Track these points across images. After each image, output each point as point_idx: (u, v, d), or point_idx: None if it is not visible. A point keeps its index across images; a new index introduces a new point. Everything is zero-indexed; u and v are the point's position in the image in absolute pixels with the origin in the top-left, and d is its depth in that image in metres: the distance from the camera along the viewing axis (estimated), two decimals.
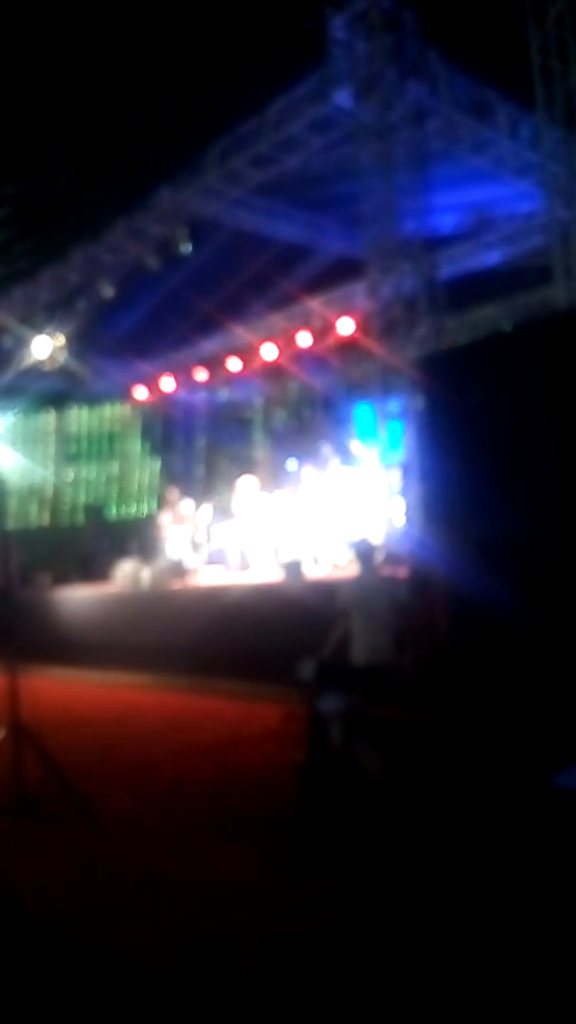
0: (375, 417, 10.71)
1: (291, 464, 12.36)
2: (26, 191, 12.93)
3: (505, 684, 4.11)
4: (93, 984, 2.99)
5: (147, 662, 9.43)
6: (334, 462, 11.06)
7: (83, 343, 14.56)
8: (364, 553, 6.15)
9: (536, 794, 3.69)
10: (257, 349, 13.63)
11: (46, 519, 18.19)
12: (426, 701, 4.76)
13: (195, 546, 11.75)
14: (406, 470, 9.83)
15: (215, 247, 12.24)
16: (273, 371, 14.33)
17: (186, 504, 12.24)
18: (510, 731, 4.01)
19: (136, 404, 16.84)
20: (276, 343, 13.61)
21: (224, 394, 16.38)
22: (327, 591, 6.77)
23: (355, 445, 11.86)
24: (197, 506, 12.26)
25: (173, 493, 12.77)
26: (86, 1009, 2.83)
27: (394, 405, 9.94)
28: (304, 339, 13.01)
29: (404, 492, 9.93)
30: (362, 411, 13.51)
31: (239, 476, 12.09)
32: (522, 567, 4.14)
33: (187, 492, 14.04)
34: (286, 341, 13.44)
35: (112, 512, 17.40)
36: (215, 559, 11.22)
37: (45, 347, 14.06)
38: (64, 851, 4.24)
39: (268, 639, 7.99)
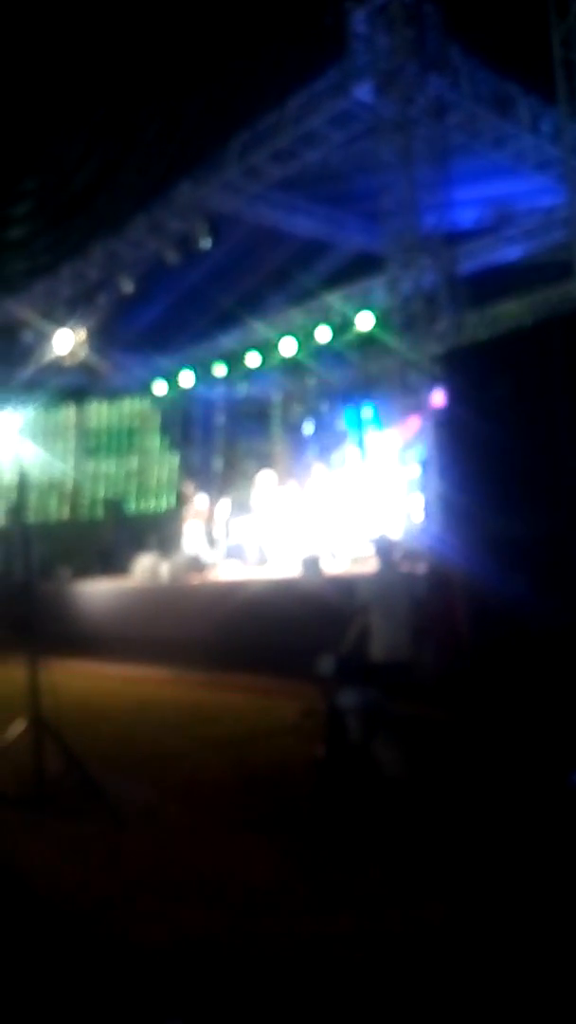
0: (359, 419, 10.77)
1: (310, 460, 12.36)
2: (47, 186, 12.99)
3: (524, 681, 4.10)
4: (105, 974, 3.01)
5: (166, 656, 9.48)
6: (352, 458, 11.05)
7: (103, 338, 14.62)
8: (383, 549, 6.14)
9: (554, 792, 3.69)
10: (276, 344, 13.62)
11: (66, 513, 18.29)
12: (444, 697, 4.76)
13: (213, 541, 11.78)
14: (425, 466, 9.81)
15: (234, 242, 12.25)
16: (292, 366, 14.31)
17: (201, 499, 12.27)
18: (528, 728, 4.00)
19: (155, 399, 16.88)
20: (295, 338, 13.59)
21: (243, 389, 16.39)
22: (345, 586, 6.77)
23: (368, 442, 11.84)
24: (215, 501, 12.29)
25: (189, 487, 12.82)
26: (96, 998, 2.86)
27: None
28: (323, 334, 12.98)
29: (423, 488, 9.91)
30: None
31: (258, 471, 12.11)
32: (541, 564, 4.13)
33: (206, 487, 14.07)
34: (305, 336, 13.42)
35: (131, 506, 17.47)
36: (233, 554, 11.25)
37: (66, 342, 14.12)
38: (83, 843, 4.27)
39: (286, 634, 8.01)
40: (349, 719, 4.58)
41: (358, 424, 13.21)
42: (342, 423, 13.93)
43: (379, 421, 12.31)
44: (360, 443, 12.07)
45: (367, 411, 12.86)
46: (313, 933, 3.17)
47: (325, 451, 12.28)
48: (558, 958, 2.88)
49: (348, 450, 11.59)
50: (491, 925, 3.12)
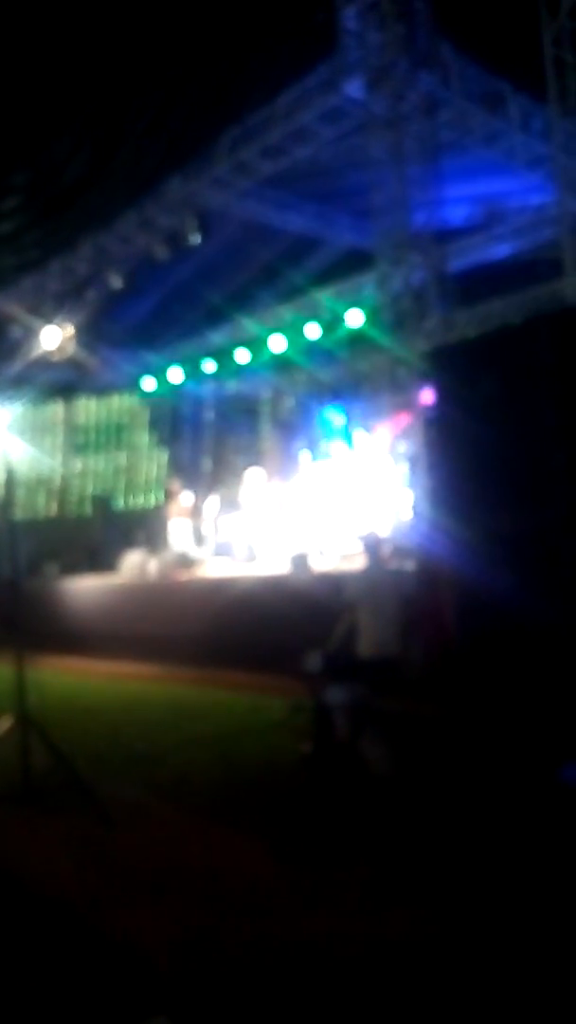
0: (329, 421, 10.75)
1: (298, 456, 12.35)
2: (36, 181, 12.92)
3: (512, 677, 4.11)
4: (94, 971, 3.00)
5: (154, 652, 9.46)
6: (341, 455, 11.05)
7: (92, 334, 14.56)
8: (371, 546, 6.14)
9: (543, 787, 3.69)
10: (266, 341, 13.59)
11: (54, 510, 18.22)
12: (432, 694, 4.76)
13: (201, 537, 11.76)
14: (413, 463, 9.82)
15: (224, 238, 12.22)
16: (281, 363, 14.29)
17: (186, 496, 12.25)
18: (516, 724, 4.01)
19: (144, 395, 16.83)
20: (284, 335, 13.57)
21: (232, 386, 16.36)
22: (334, 583, 6.77)
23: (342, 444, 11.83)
24: (204, 497, 12.27)
25: (175, 484, 12.79)
26: (86, 995, 2.85)
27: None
28: (313, 331, 12.96)
29: (411, 485, 9.92)
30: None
31: (247, 468, 12.09)
32: (529, 560, 4.13)
33: (194, 483, 14.04)
34: (295, 333, 13.40)
35: (119, 503, 17.42)
36: (222, 551, 11.24)
37: (54, 338, 14.06)
38: (70, 840, 4.25)
39: (274, 631, 8.00)
40: (337, 716, 4.58)
41: (330, 430, 13.19)
42: (330, 420, 13.93)
43: (348, 433, 12.21)
44: (348, 440, 12.06)
45: (338, 417, 12.82)
46: (301, 931, 3.16)
47: (314, 448, 12.28)
48: (551, 954, 2.89)
49: (337, 447, 11.58)
50: (480, 922, 3.12)
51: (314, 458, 11.37)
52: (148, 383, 15.90)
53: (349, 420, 12.86)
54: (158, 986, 2.87)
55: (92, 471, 18.51)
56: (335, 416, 12.73)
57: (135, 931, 3.24)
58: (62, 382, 16.55)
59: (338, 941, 3.05)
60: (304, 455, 12.11)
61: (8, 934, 3.32)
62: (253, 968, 2.92)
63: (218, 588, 9.66)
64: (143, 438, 18.21)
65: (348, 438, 12.00)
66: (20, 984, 2.95)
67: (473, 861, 3.57)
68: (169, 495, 12.61)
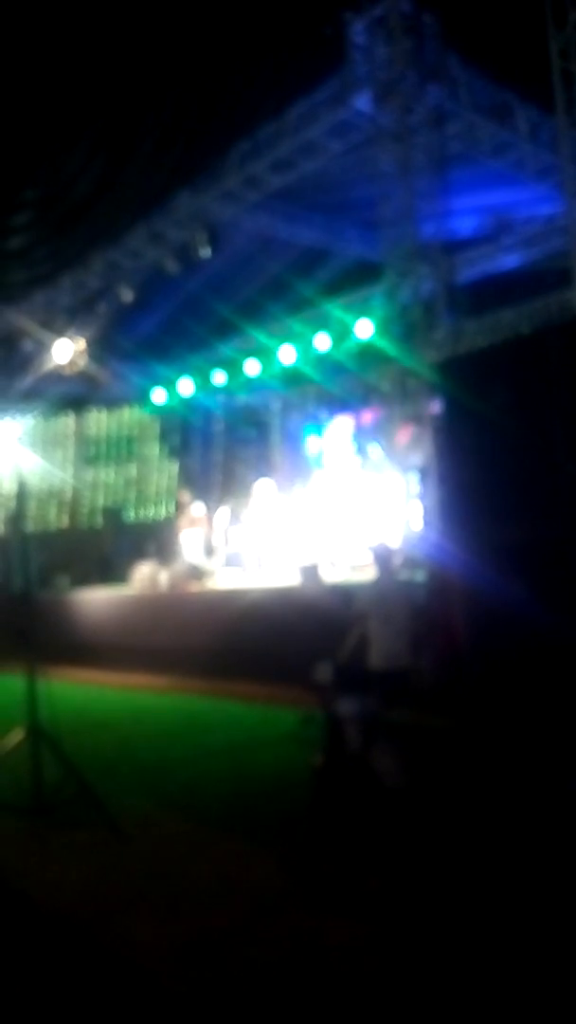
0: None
1: (308, 468, 12.36)
2: (47, 196, 13.04)
3: (523, 688, 4.09)
4: (103, 983, 3.00)
5: (164, 664, 9.46)
6: (351, 466, 11.06)
7: (102, 347, 14.63)
8: (382, 557, 6.14)
9: (554, 798, 3.67)
10: (275, 352, 13.63)
11: (65, 521, 18.28)
12: (443, 705, 4.74)
13: (211, 549, 11.77)
14: (424, 473, 9.81)
15: (234, 250, 12.27)
16: (291, 374, 14.32)
17: (197, 507, 12.26)
18: (527, 735, 3.99)
19: (154, 407, 16.89)
20: (294, 346, 13.61)
21: (242, 397, 16.40)
22: (344, 594, 6.76)
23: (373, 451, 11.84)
24: (214, 509, 12.29)
25: (185, 496, 12.81)
26: (94, 1007, 2.85)
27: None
28: (322, 342, 12.99)
29: (422, 495, 9.90)
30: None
31: (256, 479, 12.10)
32: (540, 571, 4.12)
33: (204, 495, 14.06)
34: (304, 344, 13.43)
35: (130, 515, 17.46)
36: (232, 562, 11.24)
37: (66, 351, 14.14)
38: (81, 852, 4.25)
39: (285, 642, 7.99)
40: (348, 727, 4.56)
41: (358, 435, 13.22)
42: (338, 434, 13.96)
43: (320, 461, 12.15)
44: (359, 451, 12.07)
45: (315, 444, 12.76)
46: (311, 942, 3.15)
47: (323, 459, 12.28)
48: (558, 965, 2.86)
49: (346, 458, 11.59)
50: (490, 933, 3.10)
51: (325, 469, 11.38)
52: (158, 395, 15.96)
53: (359, 431, 12.89)
54: (168, 999, 2.87)
55: (103, 483, 18.56)
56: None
57: (144, 943, 3.23)
58: (73, 395, 16.62)
59: (349, 953, 3.04)
60: (313, 466, 12.12)
61: (19, 947, 3.32)
62: (264, 978, 2.91)
63: (229, 599, 9.66)
64: (153, 450, 18.27)
65: (361, 449, 12.01)
66: (32, 996, 2.95)
67: (484, 872, 3.55)
68: (180, 506, 12.63)
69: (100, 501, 18.21)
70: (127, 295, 13.07)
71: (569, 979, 2.78)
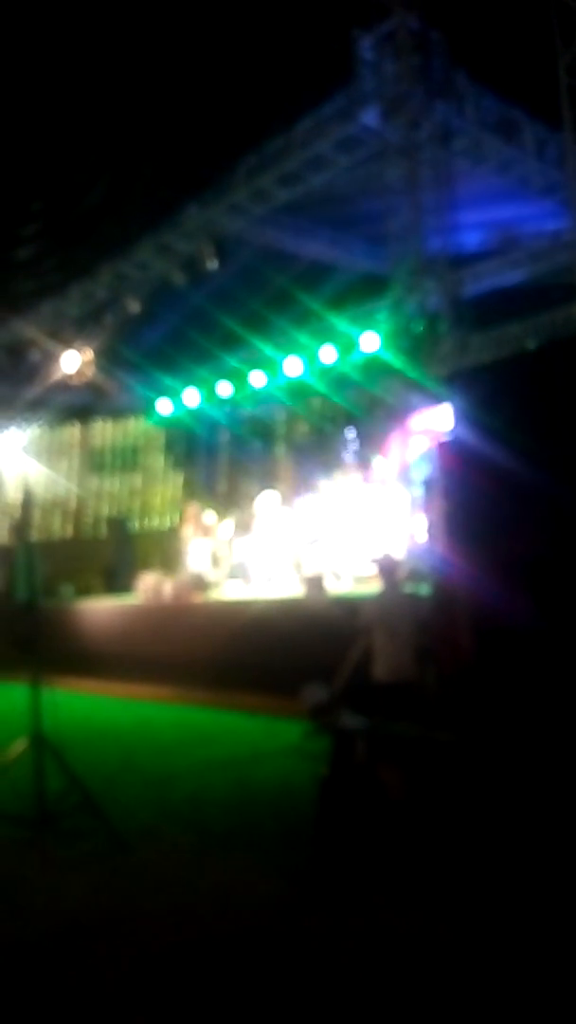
0: None
1: (314, 480, 12.37)
2: (55, 208, 13.13)
3: (527, 702, 4.08)
4: (106, 995, 2.99)
5: (168, 675, 9.45)
6: (356, 478, 11.07)
7: (109, 357, 14.69)
8: (387, 569, 6.14)
9: (559, 813, 3.66)
10: (281, 364, 13.67)
11: (69, 531, 18.30)
12: (448, 719, 4.73)
13: (216, 560, 11.77)
14: (429, 486, 9.81)
15: (240, 263, 12.33)
16: (297, 386, 14.36)
17: (209, 515, 12.26)
18: (531, 750, 3.98)
19: (160, 418, 16.94)
20: (300, 359, 13.65)
21: (247, 409, 16.43)
22: (349, 607, 6.76)
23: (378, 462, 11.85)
24: (219, 520, 12.29)
25: (193, 507, 12.81)
26: (99, 1018, 2.84)
27: None
28: (328, 355, 13.03)
29: (427, 508, 9.90)
30: None
31: (261, 491, 12.11)
32: (545, 585, 4.12)
33: (209, 506, 14.06)
34: (310, 357, 13.47)
35: (135, 525, 17.48)
36: (237, 573, 11.24)
37: (74, 361, 14.20)
38: (83, 863, 4.24)
39: (289, 654, 7.98)
40: (353, 740, 4.55)
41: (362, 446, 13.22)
42: (345, 445, 13.97)
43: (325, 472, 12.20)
44: (365, 463, 12.08)
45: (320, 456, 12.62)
46: (315, 954, 3.14)
47: (329, 471, 12.30)
48: (562, 979, 2.85)
49: (352, 470, 11.59)
50: (494, 947, 3.09)
51: (331, 481, 11.38)
52: (164, 406, 16.00)
53: (364, 444, 12.90)
54: (172, 1009, 2.86)
55: (108, 493, 18.59)
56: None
57: (146, 954, 3.22)
58: (78, 405, 16.68)
59: (354, 966, 3.03)
60: (319, 478, 12.13)
61: (19, 957, 3.31)
62: (268, 990, 2.90)
63: (233, 611, 9.66)
64: (158, 460, 18.29)
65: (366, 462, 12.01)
66: (34, 1007, 2.94)
67: (487, 887, 3.54)
68: (186, 517, 12.63)
69: (105, 511, 18.23)
70: (134, 306, 13.14)
71: (571, 988, 2.77)
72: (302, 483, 13.05)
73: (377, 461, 11.95)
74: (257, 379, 14.23)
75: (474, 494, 4.68)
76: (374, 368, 12.57)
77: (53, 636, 10.39)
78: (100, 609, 11.74)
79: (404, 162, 9.75)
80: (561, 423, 4.23)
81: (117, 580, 13.05)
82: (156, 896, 3.80)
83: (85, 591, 12.91)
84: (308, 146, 10.30)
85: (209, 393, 15.13)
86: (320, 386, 13.99)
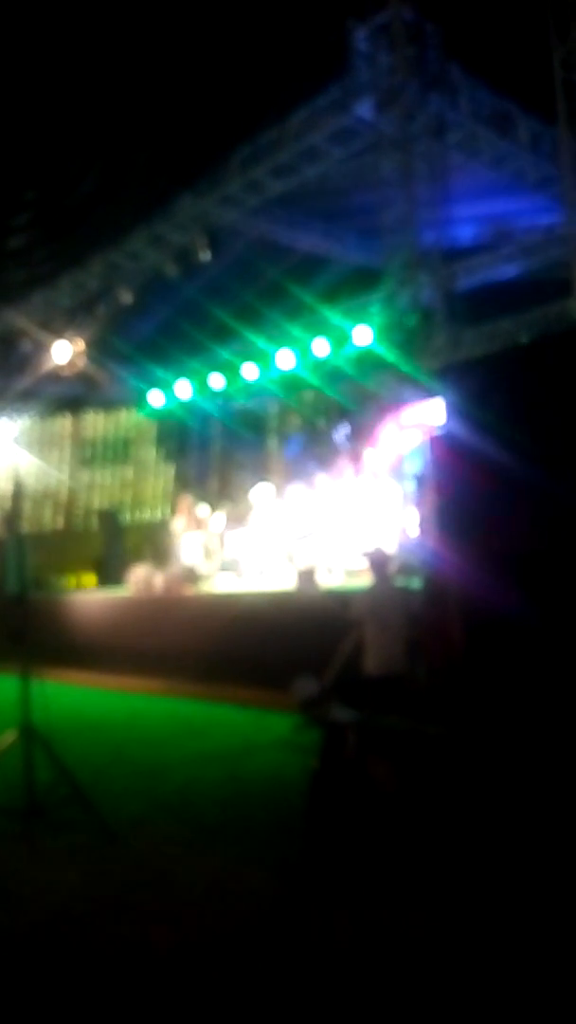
0: None
1: (305, 472, 12.36)
2: (47, 197, 13.05)
3: (518, 696, 4.09)
4: (96, 986, 2.99)
5: (159, 667, 9.44)
6: (348, 471, 11.06)
7: (101, 348, 14.64)
8: (378, 563, 6.14)
9: (550, 807, 3.67)
10: (273, 357, 13.64)
11: (60, 523, 18.26)
12: (438, 712, 4.74)
13: (208, 553, 11.76)
14: (421, 479, 9.82)
15: (233, 255, 12.29)
16: (289, 379, 14.35)
17: (202, 508, 12.25)
18: (522, 743, 3.99)
19: (152, 410, 16.90)
20: (293, 351, 13.63)
21: (240, 402, 16.41)
22: (340, 600, 6.76)
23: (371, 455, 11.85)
24: (211, 513, 12.28)
25: (186, 500, 12.79)
26: (88, 1010, 2.84)
27: None
28: (321, 348, 13.01)
29: (418, 502, 9.91)
30: None
31: (253, 484, 12.10)
32: (538, 579, 4.12)
33: (201, 499, 14.05)
34: (302, 350, 13.46)
35: (126, 517, 17.45)
36: (228, 566, 11.23)
37: (65, 352, 14.14)
38: (73, 855, 4.24)
39: (281, 647, 7.98)
40: (344, 733, 4.56)
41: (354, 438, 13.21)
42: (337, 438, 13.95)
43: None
44: (356, 456, 12.07)
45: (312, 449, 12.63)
46: (304, 948, 3.14)
47: (321, 464, 12.29)
48: (553, 975, 2.86)
49: (344, 463, 11.59)
50: (484, 942, 3.10)
51: (323, 474, 11.37)
52: (156, 398, 15.95)
53: (356, 437, 12.88)
54: (161, 1002, 2.86)
55: (99, 485, 18.55)
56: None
57: (136, 947, 3.22)
58: (70, 396, 16.62)
59: (343, 959, 3.03)
60: (311, 471, 12.12)
61: (10, 950, 3.30)
62: (255, 983, 2.90)
63: (224, 603, 9.66)
64: (150, 453, 18.26)
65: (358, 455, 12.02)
66: (25, 1001, 2.94)
67: (478, 881, 3.55)
68: (178, 510, 12.61)
69: (96, 503, 18.19)
70: (126, 297, 13.09)
71: (569, 985, 2.78)
72: (294, 476, 13.04)
73: (369, 454, 11.95)
74: (249, 372, 14.19)
75: (466, 488, 4.68)
76: (367, 361, 12.57)
77: (43, 628, 10.36)
78: (91, 601, 11.72)
79: (398, 155, 9.74)
80: (554, 417, 4.23)
81: (108, 572, 13.02)
82: (146, 888, 3.80)
83: (76, 583, 12.89)
84: (302, 138, 10.27)
85: (201, 385, 15.09)
86: (313, 379, 13.97)
